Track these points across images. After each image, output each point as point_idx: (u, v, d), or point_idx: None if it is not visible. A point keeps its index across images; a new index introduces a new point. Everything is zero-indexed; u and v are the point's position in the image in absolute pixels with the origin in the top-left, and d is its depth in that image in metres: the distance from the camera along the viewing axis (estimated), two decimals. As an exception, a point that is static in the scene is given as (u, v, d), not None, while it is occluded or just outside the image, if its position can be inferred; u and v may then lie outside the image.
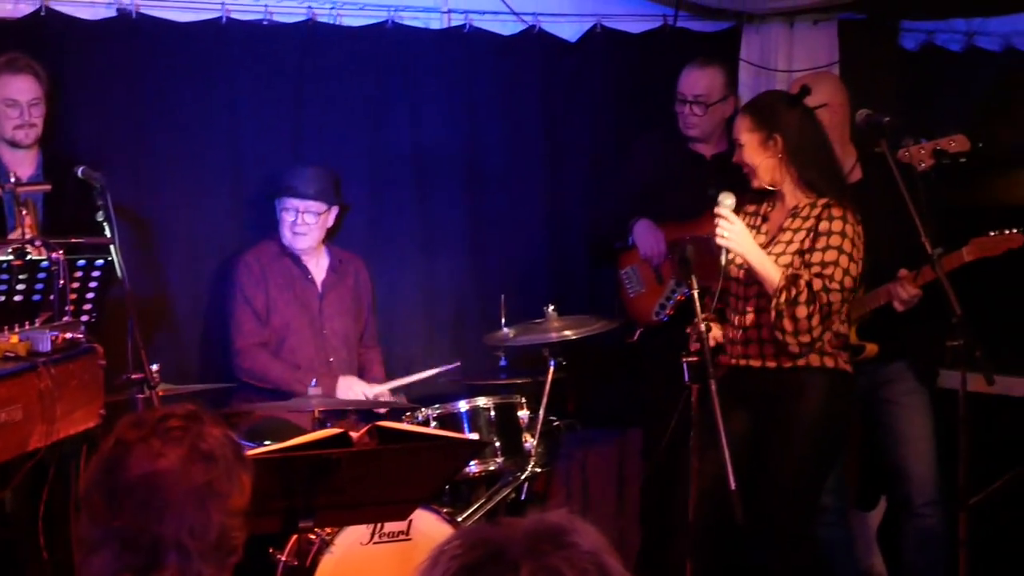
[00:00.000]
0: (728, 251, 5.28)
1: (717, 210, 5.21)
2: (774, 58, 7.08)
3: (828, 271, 5.17)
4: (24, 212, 5.35)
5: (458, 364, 6.34)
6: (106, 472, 2.68)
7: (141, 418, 2.75)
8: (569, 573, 1.76)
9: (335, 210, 6.45)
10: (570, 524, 1.83)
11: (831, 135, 5.66)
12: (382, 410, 6.19)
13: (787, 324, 5.18)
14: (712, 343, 5.15)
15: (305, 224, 6.31)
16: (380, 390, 6.29)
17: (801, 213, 5.33)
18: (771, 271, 5.21)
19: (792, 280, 5.17)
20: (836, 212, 5.25)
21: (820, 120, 5.45)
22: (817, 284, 5.15)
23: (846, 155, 5.97)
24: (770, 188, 5.41)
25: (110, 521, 2.64)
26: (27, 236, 5.09)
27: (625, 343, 6.60)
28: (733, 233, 5.20)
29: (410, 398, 6.27)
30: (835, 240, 5.21)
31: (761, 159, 5.36)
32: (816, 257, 5.21)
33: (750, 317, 5.37)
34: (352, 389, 6.24)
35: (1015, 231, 5.68)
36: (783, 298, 5.16)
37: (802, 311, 5.15)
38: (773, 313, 5.19)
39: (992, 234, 5.70)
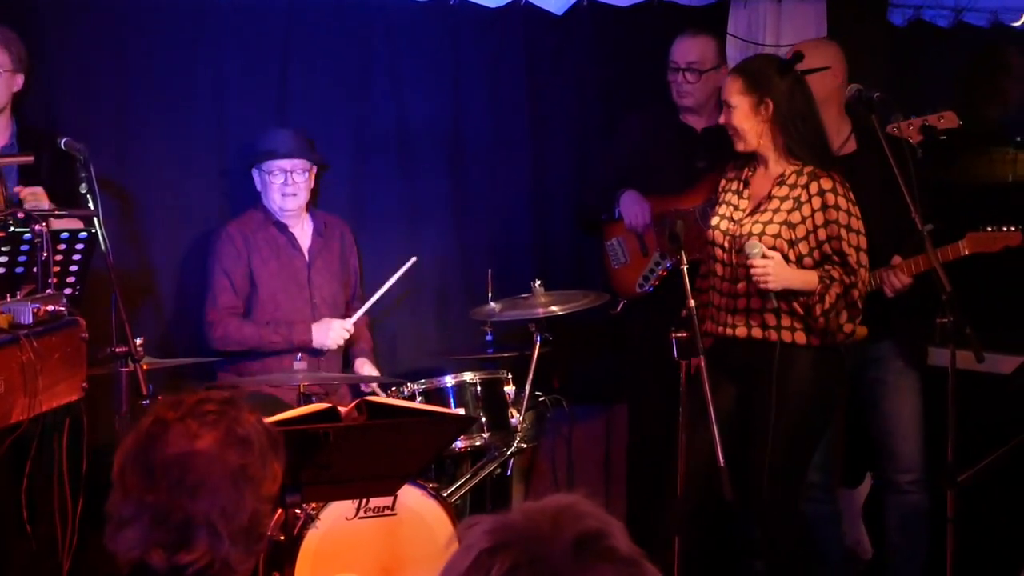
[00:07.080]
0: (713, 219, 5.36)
1: (750, 262, 5.15)
2: (762, 33, 7.03)
3: (848, 259, 5.16)
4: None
5: (415, 259, 6.31)
6: (143, 448, 2.74)
7: (179, 399, 2.81)
8: None
9: (314, 170, 6.40)
10: (607, 526, 1.84)
11: (831, 100, 5.73)
12: (371, 386, 6.13)
13: (821, 321, 5.18)
14: None
15: (295, 183, 6.25)
16: (355, 318, 6.26)
17: (788, 180, 5.28)
18: (809, 283, 5.17)
19: (826, 286, 5.14)
20: (825, 184, 5.21)
21: (809, 88, 5.41)
22: (846, 280, 5.15)
23: (842, 124, 5.99)
24: (754, 152, 5.38)
25: (143, 496, 2.69)
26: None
27: (608, 315, 6.56)
28: (773, 273, 5.14)
29: (394, 361, 6.21)
30: (832, 215, 5.17)
31: (751, 123, 5.32)
32: (827, 248, 5.19)
33: (741, 285, 5.31)
34: (331, 329, 6.18)
35: (1014, 228, 5.67)
36: (823, 308, 5.14)
37: (843, 317, 5.16)
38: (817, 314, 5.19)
39: (990, 229, 5.68)
